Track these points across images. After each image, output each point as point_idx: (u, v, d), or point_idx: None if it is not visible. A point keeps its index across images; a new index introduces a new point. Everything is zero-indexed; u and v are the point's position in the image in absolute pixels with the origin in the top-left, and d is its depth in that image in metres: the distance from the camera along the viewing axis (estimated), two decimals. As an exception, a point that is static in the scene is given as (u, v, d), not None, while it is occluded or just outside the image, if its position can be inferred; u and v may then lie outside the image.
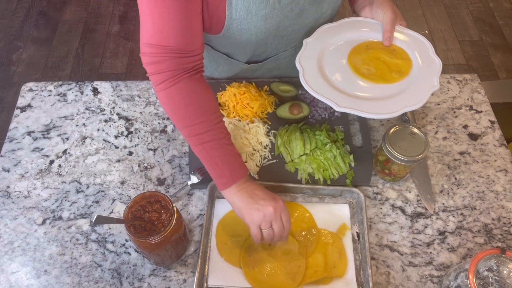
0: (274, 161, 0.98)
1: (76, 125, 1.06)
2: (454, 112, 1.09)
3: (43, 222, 0.92)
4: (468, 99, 1.11)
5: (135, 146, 1.03)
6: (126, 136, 1.04)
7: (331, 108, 1.06)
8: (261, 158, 0.98)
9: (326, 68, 0.92)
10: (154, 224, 0.76)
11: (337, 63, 0.93)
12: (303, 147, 0.96)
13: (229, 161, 0.82)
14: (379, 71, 0.90)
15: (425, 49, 0.93)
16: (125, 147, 1.02)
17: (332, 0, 0.92)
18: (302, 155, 0.96)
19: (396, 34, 0.95)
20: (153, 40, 0.79)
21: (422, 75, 0.89)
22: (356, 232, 0.90)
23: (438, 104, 1.10)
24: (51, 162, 1.00)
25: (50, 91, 1.12)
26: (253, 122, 1.02)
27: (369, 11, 0.97)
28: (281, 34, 0.94)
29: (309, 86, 0.87)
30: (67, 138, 1.04)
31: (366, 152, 1.00)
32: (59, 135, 1.04)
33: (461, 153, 1.02)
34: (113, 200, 0.95)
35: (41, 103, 1.10)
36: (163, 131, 1.05)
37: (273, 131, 1.02)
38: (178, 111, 0.83)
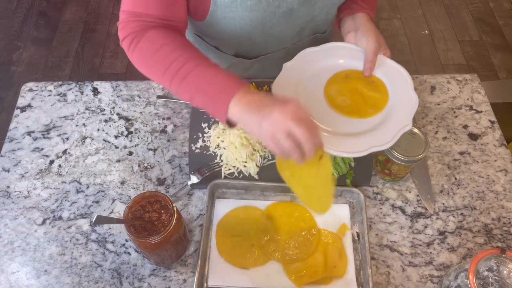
0: (274, 161, 0.98)
1: (76, 125, 1.06)
2: (454, 112, 1.09)
3: (43, 222, 0.92)
4: (468, 99, 1.11)
5: (135, 146, 1.03)
6: (126, 136, 1.04)
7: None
8: (261, 158, 0.98)
9: (301, 96, 0.89)
10: (154, 224, 0.76)
11: (314, 92, 0.90)
12: None
13: (218, 80, 0.71)
14: (354, 104, 0.88)
15: (405, 83, 0.89)
16: (125, 147, 1.02)
17: (325, 4, 0.90)
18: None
19: (377, 64, 0.92)
20: (132, 7, 0.77)
21: (396, 112, 0.86)
22: (356, 232, 0.90)
23: (438, 104, 1.10)
24: (51, 162, 1.00)
25: (50, 91, 1.12)
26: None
27: (354, 37, 0.94)
28: (269, 32, 0.92)
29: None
30: (67, 138, 1.04)
31: (366, 152, 1.00)
32: (59, 135, 1.04)
33: (461, 153, 1.02)
34: (113, 200, 0.95)
35: (41, 103, 1.10)
36: (163, 131, 1.05)
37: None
38: (150, 60, 0.77)
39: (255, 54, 1.02)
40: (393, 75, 0.92)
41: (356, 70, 0.94)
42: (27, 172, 0.98)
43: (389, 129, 0.84)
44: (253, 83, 1.08)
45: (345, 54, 0.95)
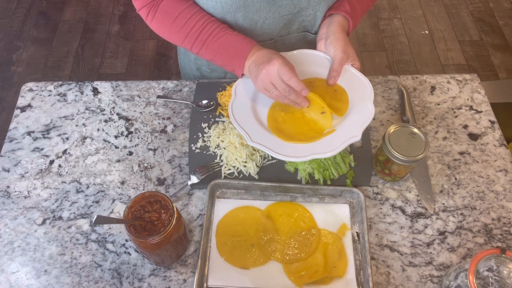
0: (274, 161, 0.98)
1: (76, 125, 1.06)
2: (454, 112, 1.09)
3: (43, 222, 0.92)
4: (468, 99, 1.11)
5: (135, 146, 1.03)
6: (126, 136, 1.04)
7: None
8: (261, 158, 0.98)
9: (259, 100, 0.94)
10: (154, 224, 0.76)
11: (268, 103, 0.93)
12: None
13: (232, 45, 0.87)
14: (297, 133, 0.88)
15: (365, 94, 0.90)
16: (125, 147, 1.02)
17: None
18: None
19: (343, 74, 0.93)
20: None
21: (350, 123, 0.87)
22: (356, 232, 0.90)
23: (438, 104, 1.10)
24: (51, 162, 1.00)
25: (50, 91, 1.12)
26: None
27: (323, 45, 0.95)
28: (253, 17, 0.93)
29: (232, 113, 0.89)
30: (67, 138, 1.04)
31: (366, 152, 1.00)
32: (59, 135, 1.04)
33: (461, 153, 1.02)
34: (113, 200, 0.95)
35: (41, 103, 1.10)
36: (163, 131, 1.05)
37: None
38: (169, 30, 0.91)
39: None
40: (355, 85, 0.92)
41: (321, 78, 0.95)
42: (27, 172, 0.98)
43: (336, 139, 0.85)
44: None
45: (313, 62, 0.96)
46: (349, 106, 0.90)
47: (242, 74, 0.91)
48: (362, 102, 0.90)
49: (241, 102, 0.92)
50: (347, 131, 0.86)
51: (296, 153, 0.84)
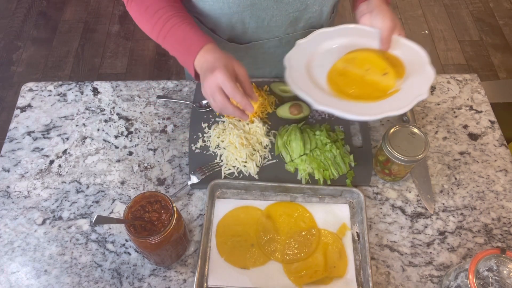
0: (274, 161, 0.98)
1: (76, 125, 1.06)
2: (454, 112, 1.09)
3: (43, 222, 0.92)
4: (468, 99, 1.11)
5: (135, 146, 1.03)
6: (126, 136, 1.04)
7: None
8: (261, 158, 0.98)
9: (314, 70, 0.90)
10: (154, 224, 0.76)
11: (326, 68, 0.91)
12: (303, 147, 0.96)
13: (186, 40, 0.83)
14: (361, 93, 0.87)
15: (420, 59, 0.90)
16: (125, 147, 1.02)
17: None
18: (302, 155, 0.96)
19: (392, 43, 0.92)
20: None
21: (412, 83, 0.86)
22: (356, 232, 0.90)
23: (438, 104, 1.10)
24: (51, 162, 1.00)
25: (50, 91, 1.12)
26: (253, 122, 1.02)
27: (369, 18, 0.95)
28: (260, 15, 0.93)
29: (292, 81, 0.86)
30: (67, 138, 1.04)
31: (366, 152, 1.00)
32: (59, 135, 1.04)
33: (461, 153, 1.02)
34: (113, 200, 0.95)
35: (41, 103, 1.10)
36: (163, 131, 1.05)
37: (273, 131, 1.02)
38: (140, 19, 0.89)
39: (247, 39, 1.02)
40: (408, 52, 0.91)
41: (370, 48, 0.93)
42: (27, 172, 0.98)
43: (404, 97, 0.83)
44: (253, 83, 1.08)
45: (359, 34, 0.95)
46: (406, 71, 0.89)
47: (196, 74, 0.86)
48: (419, 67, 0.88)
49: (296, 71, 0.89)
50: (412, 90, 0.84)
51: (366, 112, 0.82)
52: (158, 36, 0.87)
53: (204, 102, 1.06)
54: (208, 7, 0.93)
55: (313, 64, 0.92)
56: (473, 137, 1.05)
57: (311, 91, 0.85)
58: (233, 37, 1.02)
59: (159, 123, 1.06)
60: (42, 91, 1.12)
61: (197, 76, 0.85)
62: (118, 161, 1.00)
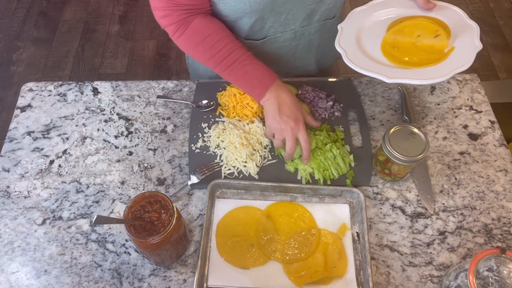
0: (274, 161, 0.98)
1: (76, 125, 1.06)
2: (454, 112, 1.09)
3: (43, 222, 0.92)
4: (468, 99, 1.11)
5: (135, 146, 1.03)
6: (126, 136, 1.04)
7: (331, 108, 1.06)
8: (261, 158, 0.98)
9: (367, 47, 0.94)
10: (154, 224, 0.76)
11: (376, 42, 0.95)
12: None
13: (256, 74, 0.93)
14: (420, 59, 0.90)
15: (459, 15, 0.94)
16: (125, 147, 1.02)
17: None
18: (302, 155, 0.96)
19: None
20: None
21: (462, 39, 0.90)
22: (356, 232, 0.90)
23: (438, 104, 1.10)
24: (51, 162, 1.00)
25: (50, 91, 1.12)
26: (253, 122, 1.02)
27: None
28: (279, 10, 0.95)
29: (354, 64, 0.89)
30: (67, 138, 1.04)
31: (366, 152, 1.00)
32: (59, 135, 1.04)
33: (461, 153, 1.02)
34: (113, 200, 0.95)
35: (41, 103, 1.10)
36: (163, 131, 1.05)
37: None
38: (198, 48, 0.95)
39: (263, 34, 1.04)
40: (445, 11, 0.96)
41: (410, 16, 0.96)
42: (27, 172, 0.98)
43: (462, 54, 0.88)
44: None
45: (394, 5, 0.99)
46: (452, 30, 0.93)
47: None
48: (461, 23, 0.93)
49: (352, 54, 0.92)
50: (466, 44, 0.89)
51: (435, 75, 0.85)
52: (217, 66, 0.94)
53: (204, 102, 1.06)
54: (230, 8, 0.94)
55: (363, 42, 0.95)
56: (473, 137, 1.05)
57: (376, 68, 0.88)
58: (251, 34, 1.03)
59: (159, 123, 1.06)
60: (42, 91, 1.12)
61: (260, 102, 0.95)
62: (118, 161, 1.00)
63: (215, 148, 0.99)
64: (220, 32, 0.94)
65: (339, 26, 0.97)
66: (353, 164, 0.97)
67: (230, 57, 0.93)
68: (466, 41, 0.90)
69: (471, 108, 1.10)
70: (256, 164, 0.97)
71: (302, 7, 0.97)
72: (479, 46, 0.88)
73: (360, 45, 0.95)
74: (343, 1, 1.04)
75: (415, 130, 0.89)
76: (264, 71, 0.94)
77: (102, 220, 0.74)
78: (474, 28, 0.91)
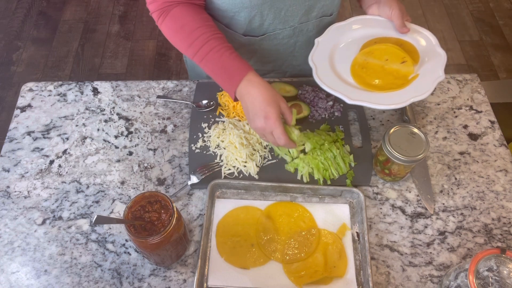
0: (274, 161, 0.98)
1: (76, 125, 1.06)
2: (454, 112, 1.09)
3: (43, 222, 0.92)
4: (468, 99, 1.11)
5: (135, 146, 1.03)
6: (126, 136, 1.04)
7: (331, 108, 1.06)
8: (261, 158, 0.98)
9: (337, 64, 0.97)
10: (154, 224, 0.76)
11: (348, 60, 0.98)
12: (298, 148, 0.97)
13: (228, 68, 0.87)
14: (385, 83, 0.93)
15: (430, 42, 0.98)
16: (125, 147, 1.02)
17: None
18: (300, 154, 0.96)
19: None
20: None
21: (428, 67, 0.93)
22: (356, 232, 0.90)
23: (438, 104, 1.10)
24: (51, 162, 1.00)
25: (50, 91, 1.12)
26: (253, 122, 1.02)
27: (377, 9, 1.02)
28: (278, 6, 0.96)
29: (322, 81, 0.92)
30: (67, 138, 1.04)
31: (366, 152, 1.00)
32: (59, 135, 1.04)
33: (461, 153, 1.02)
34: (113, 200, 0.95)
35: (41, 103, 1.10)
36: (163, 131, 1.05)
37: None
38: (176, 35, 0.92)
39: (263, 31, 1.04)
40: (418, 37, 0.99)
41: (384, 37, 1.00)
42: (27, 172, 0.98)
43: (424, 82, 0.91)
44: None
45: (372, 24, 1.03)
46: (420, 55, 0.96)
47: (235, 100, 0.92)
48: (430, 50, 0.96)
49: (322, 70, 0.96)
50: (430, 73, 0.92)
51: (394, 101, 0.88)
52: (194, 56, 0.90)
53: (204, 102, 1.06)
54: (228, 2, 0.94)
55: (335, 60, 0.99)
56: (473, 137, 1.05)
57: (341, 87, 0.92)
58: (249, 30, 1.03)
59: (159, 123, 1.06)
60: (42, 91, 1.12)
61: (235, 98, 0.90)
62: (118, 161, 1.00)
63: (215, 148, 0.99)
64: (199, 21, 0.91)
65: (316, 40, 1.00)
66: (353, 164, 0.97)
67: (205, 47, 0.88)
68: (431, 70, 0.93)
69: (471, 108, 1.10)
70: (256, 164, 0.97)
71: (301, 3, 0.98)
72: (441, 76, 0.90)
73: (332, 62, 0.98)
74: (340, 0, 1.05)
75: (415, 130, 0.89)
76: (236, 65, 0.88)
77: (102, 220, 0.74)
78: (442, 57, 0.94)
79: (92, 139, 1.04)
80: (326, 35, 1.02)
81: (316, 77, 0.93)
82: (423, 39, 0.99)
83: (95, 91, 1.12)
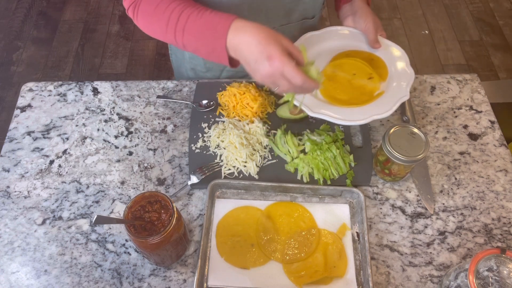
0: (274, 161, 0.98)
1: (76, 125, 1.06)
2: (454, 112, 1.09)
3: (43, 222, 0.92)
4: (468, 99, 1.11)
5: (135, 146, 1.03)
6: (126, 136, 1.04)
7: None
8: (261, 158, 0.98)
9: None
10: (154, 224, 0.76)
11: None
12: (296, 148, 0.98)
13: (208, 26, 0.76)
14: (350, 98, 0.93)
15: (401, 60, 0.97)
16: (125, 147, 1.02)
17: None
18: (300, 154, 0.96)
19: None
20: None
21: (395, 85, 0.93)
22: (356, 232, 0.90)
23: (438, 104, 1.10)
24: (51, 162, 1.00)
25: (50, 91, 1.12)
26: (253, 122, 1.02)
27: (352, 21, 1.01)
28: (257, 7, 0.95)
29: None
30: (67, 138, 1.04)
31: (366, 152, 1.00)
32: (59, 135, 1.04)
33: (461, 153, 1.02)
34: (113, 200, 0.95)
35: (41, 103, 1.10)
36: (163, 131, 1.05)
37: (273, 131, 1.02)
38: (152, 19, 0.82)
39: None
40: (389, 53, 0.99)
41: (356, 50, 1.00)
42: (27, 172, 0.98)
43: (388, 100, 0.90)
44: (253, 83, 1.08)
45: (345, 36, 1.02)
46: (389, 72, 0.96)
47: (232, 64, 0.80)
48: (400, 68, 0.96)
49: None
50: (395, 92, 0.92)
51: (355, 117, 0.88)
52: (175, 32, 0.80)
53: (204, 102, 1.06)
54: (206, 0, 0.92)
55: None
56: (473, 137, 1.05)
57: (305, 98, 0.90)
58: None
59: (159, 123, 1.06)
60: (42, 91, 1.12)
61: (232, 62, 0.78)
62: (118, 161, 1.00)
63: (215, 148, 0.99)
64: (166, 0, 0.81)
65: None
66: (353, 164, 0.97)
67: (182, 17, 0.78)
68: (397, 88, 0.93)
69: (471, 108, 1.10)
70: (256, 164, 0.97)
71: (280, 6, 0.97)
72: (406, 96, 0.90)
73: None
74: (321, 3, 1.05)
75: (415, 130, 0.89)
76: (216, 20, 0.76)
77: (102, 220, 0.74)
78: (410, 76, 0.94)
79: (92, 139, 1.04)
80: (298, 43, 1.00)
81: None
82: (394, 56, 0.98)
83: (95, 91, 1.12)
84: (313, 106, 0.90)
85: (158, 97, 1.10)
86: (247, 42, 0.73)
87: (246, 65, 0.76)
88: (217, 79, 1.16)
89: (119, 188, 0.96)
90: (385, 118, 1.07)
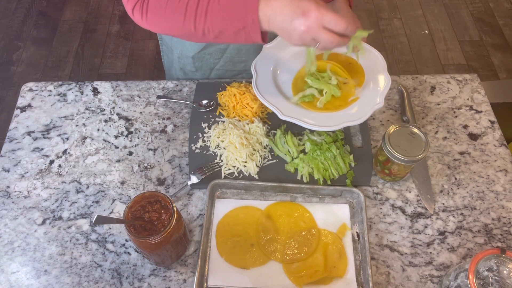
0: (274, 161, 0.98)
1: (76, 125, 1.06)
2: (454, 112, 1.09)
3: (43, 222, 0.92)
4: (468, 99, 1.11)
5: (135, 146, 1.03)
6: (126, 136, 1.04)
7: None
8: (261, 158, 0.98)
9: (281, 74, 0.96)
10: (154, 224, 0.76)
11: (292, 72, 0.96)
12: (296, 148, 0.97)
13: (235, 2, 0.74)
14: (325, 103, 0.92)
15: (379, 66, 0.96)
16: (125, 147, 1.02)
17: None
18: (300, 154, 0.96)
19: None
20: None
21: (370, 91, 0.93)
22: (356, 232, 0.90)
23: (438, 104, 1.10)
24: (51, 162, 1.00)
25: (50, 91, 1.12)
26: (253, 122, 1.02)
27: None
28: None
29: (258, 91, 0.91)
30: (67, 138, 1.04)
31: (366, 152, 1.00)
32: (59, 135, 1.04)
33: (461, 153, 1.02)
34: (113, 200, 0.95)
35: (41, 103, 1.10)
36: (163, 131, 1.05)
37: (273, 131, 1.02)
38: (166, 12, 0.78)
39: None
40: (368, 57, 0.97)
41: (334, 53, 0.98)
42: (27, 172, 0.98)
43: (361, 107, 0.90)
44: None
45: None
46: (366, 77, 0.95)
47: (263, 39, 0.77)
48: (377, 73, 0.95)
49: (263, 79, 0.94)
50: (370, 99, 0.91)
51: (327, 123, 0.87)
52: (195, 18, 0.76)
53: (204, 102, 1.06)
54: None
55: (280, 70, 0.97)
56: (473, 137, 1.05)
57: (277, 101, 0.90)
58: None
59: (159, 123, 1.06)
60: (42, 91, 1.12)
61: (264, 37, 0.76)
62: (118, 161, 1.00)
63: (215, 148, 0.99)
64: None
65: (264, 46, 0.97)
66: (353, 164, 0.97)
67: (202, 1, 0.75)
68: (372, 95, 0.92)
69: (471, 108, 1.10)
70: (256, 164, 0.96)
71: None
72: (380, 103, 0.89)
73: (275, 70, 0.97)
74: None
75: (415, 130, 0.89)
76: None
77: (102, 220, 0.74)
78: (386, 83, 0.93)
79: (92, 139, 1.04)
80: (275, 43, 0.98)
81: (254, 86, 0.92)
82: (373, 61, 0.97)
83: (95, 91, 1.12)
84: (284, 109, 0.89)
85: (158, 97, 1.10)
86: (280, 7, 0.71)
87: (282, 31, 0.73)
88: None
89: (119, 188, 0.96)
90: (385, 118, 1.07)
